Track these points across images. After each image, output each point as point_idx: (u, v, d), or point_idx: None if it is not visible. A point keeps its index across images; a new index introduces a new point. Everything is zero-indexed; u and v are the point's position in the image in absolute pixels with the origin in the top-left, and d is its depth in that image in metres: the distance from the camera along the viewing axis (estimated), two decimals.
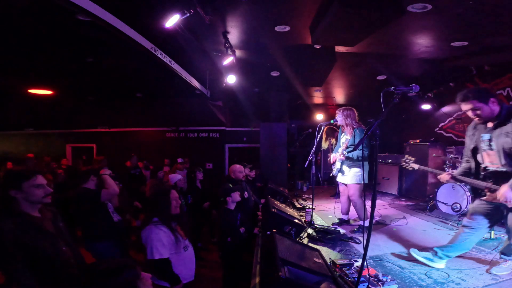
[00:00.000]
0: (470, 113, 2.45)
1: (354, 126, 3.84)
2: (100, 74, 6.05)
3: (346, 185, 4.00)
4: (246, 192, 4.21)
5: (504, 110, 2.35)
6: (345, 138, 3.98)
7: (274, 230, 2.54)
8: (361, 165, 3.79)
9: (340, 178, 4.04)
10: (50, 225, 1.94)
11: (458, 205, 4.26)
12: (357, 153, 3.68)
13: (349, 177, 3.87)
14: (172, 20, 3.37)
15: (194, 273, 2.70)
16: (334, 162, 4.10)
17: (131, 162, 6.90)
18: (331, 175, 4.29)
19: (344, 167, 3.93)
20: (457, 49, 4.69)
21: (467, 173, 2.70)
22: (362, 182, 3.79)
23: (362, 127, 3.83)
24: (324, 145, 6.01)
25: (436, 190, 4.68)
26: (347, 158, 3.82)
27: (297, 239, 3.08)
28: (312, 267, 2.04)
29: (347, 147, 3.86)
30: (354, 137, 3.79)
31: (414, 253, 2.72)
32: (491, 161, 2.45)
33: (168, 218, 2.56)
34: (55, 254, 1.84)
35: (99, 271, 1.18)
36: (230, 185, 3.66)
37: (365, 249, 1.89)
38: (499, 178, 2.37)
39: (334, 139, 5.50)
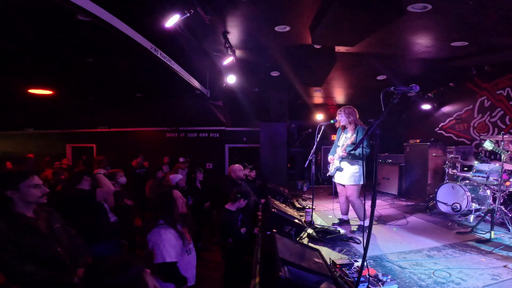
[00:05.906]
0: None
1: (358, 124, 3.83)
2: (100, 74, 6.04)
3: (343, 185, 4.00)
4: None
5: None
6: (345, 137, 3.96)
7: (274, 230, 2.54)
8: (358, 165, 3.79)
9: (337, 179, 4.03)
10: (44, 225, 1.93)
11: (458, 205, 4.26)
12: (359, 151, 3.65)
13: (347, 177, 3.86)
14: (172, 20, 3.38)
15: (195, 275, 2.70)
16: (331, 161, 4.09)
17: (137, 162, 6.88)
18: (328, 174, 4.27)
19: (343, 166, 3.91)
20: (457, 49, 4.69)
21: None
22: (360, 183, 3.79)
23: (364, 126, 3.82)
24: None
25: (436, 190, 4.68)
26: (349, 155, 3.79)
27: (297, 239, 3.08)
28: (312, 267, 2.04)
29: (352, 143, 3.74)
30: (357, 134, 3.75)
31: None
32: None
33: (176, 219, 2.48)
34: (49, 255, 1.83)
35: (103, 270, 1.16)
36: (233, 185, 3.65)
37: (365, 249, 1.89)
38: None
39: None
